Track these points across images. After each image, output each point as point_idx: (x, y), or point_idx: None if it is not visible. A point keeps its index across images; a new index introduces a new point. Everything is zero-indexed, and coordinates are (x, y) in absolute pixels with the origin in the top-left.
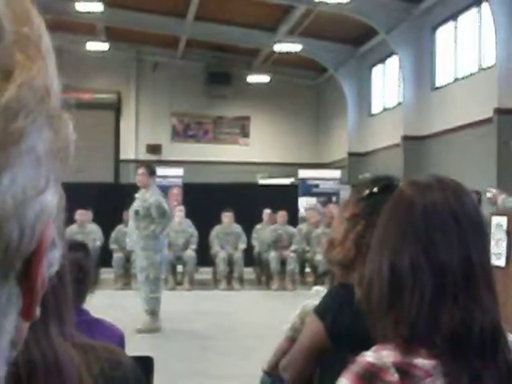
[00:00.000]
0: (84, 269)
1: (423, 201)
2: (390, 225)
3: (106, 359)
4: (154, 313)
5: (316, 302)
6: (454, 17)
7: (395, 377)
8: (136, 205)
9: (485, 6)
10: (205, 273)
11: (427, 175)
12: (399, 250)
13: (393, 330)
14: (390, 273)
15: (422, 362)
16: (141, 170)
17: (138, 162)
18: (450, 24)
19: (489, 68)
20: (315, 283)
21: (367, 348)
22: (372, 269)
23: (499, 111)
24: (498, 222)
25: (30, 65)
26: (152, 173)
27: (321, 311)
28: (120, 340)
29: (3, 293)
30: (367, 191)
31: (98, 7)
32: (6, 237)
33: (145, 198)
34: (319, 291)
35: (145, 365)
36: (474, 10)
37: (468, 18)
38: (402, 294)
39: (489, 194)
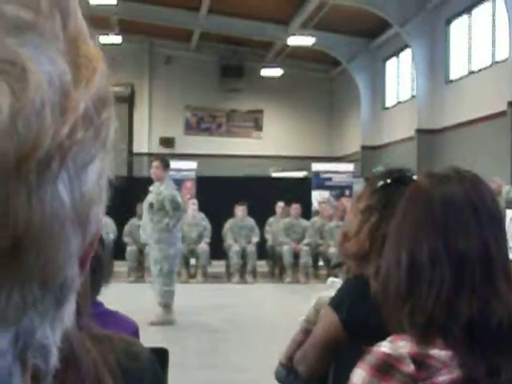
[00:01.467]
0: (100, 260)
1: (441, 192)
2: (408, 216)
3: (123, 350)
4: (167, 306)
5: (331, 293)
6: (468, 10)
7: (411, 367)
8: (150, 198)
9: None
10: (218, 266)
11: (444, 167)
12: (418, 241)
13: (409, 320)
14: (408, 263)
15: (439, 352)
16: (155, 163)
17: (152, 155)
18: (464, 17)
19: (503, 61)
20: (328, 276)
21: (383, 340)
22: (390, 259)
23: None
24: None
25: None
26: (166, 166)
27: (336, 303)
28: (135, 332)
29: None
30: (381, 183)
31: (112, 0)
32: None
33: (159, 192)
34: (335, 282)
35: (160, 357)
36: (488, 4)
37: (482, 11)
38: (420, 284)
39: (493, 185)
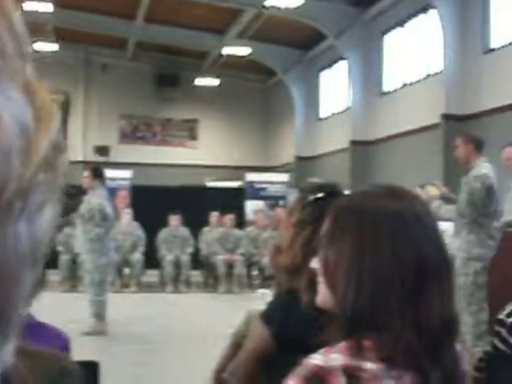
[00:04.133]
0: None
1: (382, 208)
2: (345, 237)
3: (52, 366)
4: (99, 316)
5: (261, 307)
6: (402, 23)
7: (342, 380)
8: (82, 208)
9: (433, 12)
10: (152, 275)
11: (376, 184)
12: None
13: (346, 332)
14: (371, 279)
15: (371, 365)
16: (85, 173)
17: (86, 164)
18: (399, 30)
19: (436, 74)
20: (262, 286)
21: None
22: (348, 278)
23: (446, 117)
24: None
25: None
26: (97, 175)
27: (267, 317)
28: (65, 345)
29: None
30: (313, 197)
31: (48, 8)
32: None
33: (89, 201)
34: (265, 294)
35: (91, 370)
36: (422, 16)
37: (416, 24)
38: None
39: (422, 194)
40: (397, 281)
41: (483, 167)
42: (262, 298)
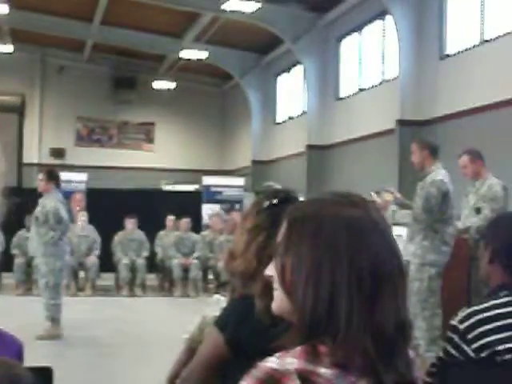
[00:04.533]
0: None
1: (331, 215)
2: (303, 244)
3: (4, 374)
4: (54, 319)
5: (215, 312)
6: (358, 28)
7: (297, 383)
8: (36, 210)
9: (389, 18)
10: (107, 279)
11: (330, 192)
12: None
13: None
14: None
15: (325, 370)
16: (40, 176)
17: (42, 166)
18: (355, 35)
19: (392, 80)
20: (217, 290)
21: None
22: (306, 285)
23: (401, 123)
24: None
25: None
26: (52, 178)
27: (221, 323)
28: (18, 351)
29: None
30: (267, 203)
31: (4, 9)
32: None
33: (44, 204)
34: (219, 300)
35: (44, 376)
36: (378, 22)
37: (372, 29)
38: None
39: (377, 199)
40: (354, 287)
41: (439, 173)
42: (217, 303)
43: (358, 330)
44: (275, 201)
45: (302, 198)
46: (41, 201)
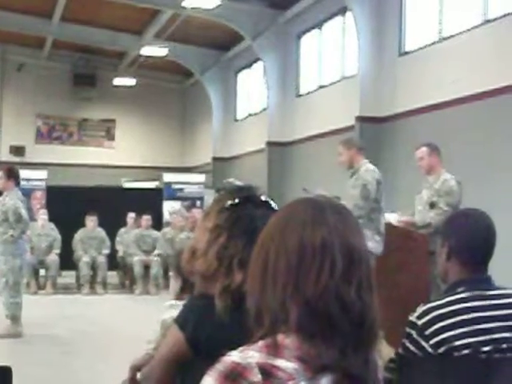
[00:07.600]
0: None
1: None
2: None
3: None
4: (14, 318)
5: (173, 314)
6: (318, 25)
7: (258, 377)
8: None
9: (349, 15)
10: (68, 277)
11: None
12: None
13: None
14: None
15: (286, 364)
16: (0, 174)
17: (1, 164)
18: (315, 32)
19: (351, 77)
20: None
21: None
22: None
23: (361, 119)
24: None
25: None
26: (12, 176)
27: (181, 321)
28: None
29: None
30: (229, 202)
31: None
32: None
33: (4, 202)
34: (173, 305)
35: (3, 375)
36: (338, 19)
37: (332, 26)
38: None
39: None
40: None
41: (369, 166)
42: (173, 307)
43: (320, 325)
44: (237, 200)
45: (264, 197)
46: (0, 199)
